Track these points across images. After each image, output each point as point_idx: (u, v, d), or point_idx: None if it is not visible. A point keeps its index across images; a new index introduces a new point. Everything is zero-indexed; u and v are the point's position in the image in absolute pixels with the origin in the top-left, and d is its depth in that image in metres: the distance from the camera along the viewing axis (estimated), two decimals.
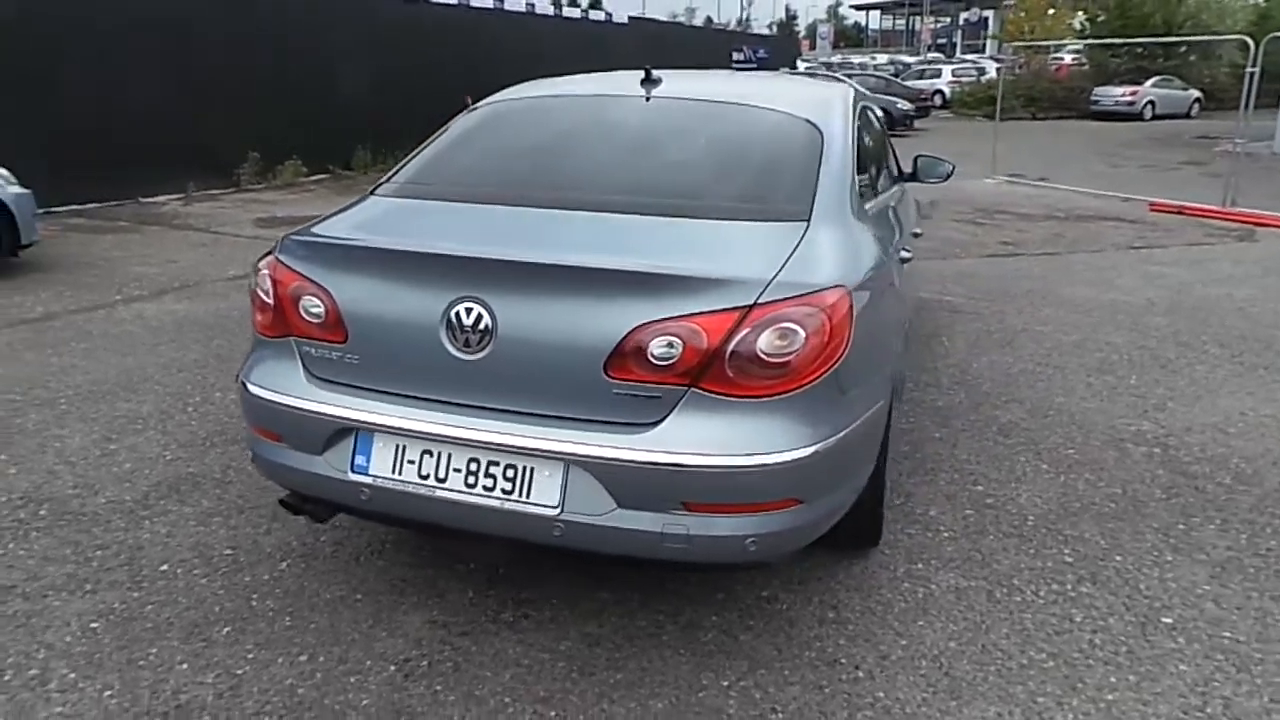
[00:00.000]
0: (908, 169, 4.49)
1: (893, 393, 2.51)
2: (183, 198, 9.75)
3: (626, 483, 1.93)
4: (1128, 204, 10.47)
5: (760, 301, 1.94)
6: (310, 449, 2.16)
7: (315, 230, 2.33)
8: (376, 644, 2.34)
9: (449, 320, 2.01)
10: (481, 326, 1.99)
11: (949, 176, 4.60)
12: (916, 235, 3.88)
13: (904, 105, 20.06)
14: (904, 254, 2.97)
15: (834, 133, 2.77)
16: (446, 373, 2.03)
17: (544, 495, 1.98)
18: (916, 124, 20.93)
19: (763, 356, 1.93)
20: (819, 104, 2.96)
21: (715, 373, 1.92)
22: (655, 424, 1.94)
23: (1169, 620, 2.51)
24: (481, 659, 2.29)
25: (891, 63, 40.16)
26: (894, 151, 4.48)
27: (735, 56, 22.71)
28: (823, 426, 2.02)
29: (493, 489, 2.01)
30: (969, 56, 39.48)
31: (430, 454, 2.05)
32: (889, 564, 2.77)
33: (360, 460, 2.11)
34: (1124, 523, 3.06)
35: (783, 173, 2.55)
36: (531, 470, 1.99)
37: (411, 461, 2.06)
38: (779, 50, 27.84)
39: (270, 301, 2.24)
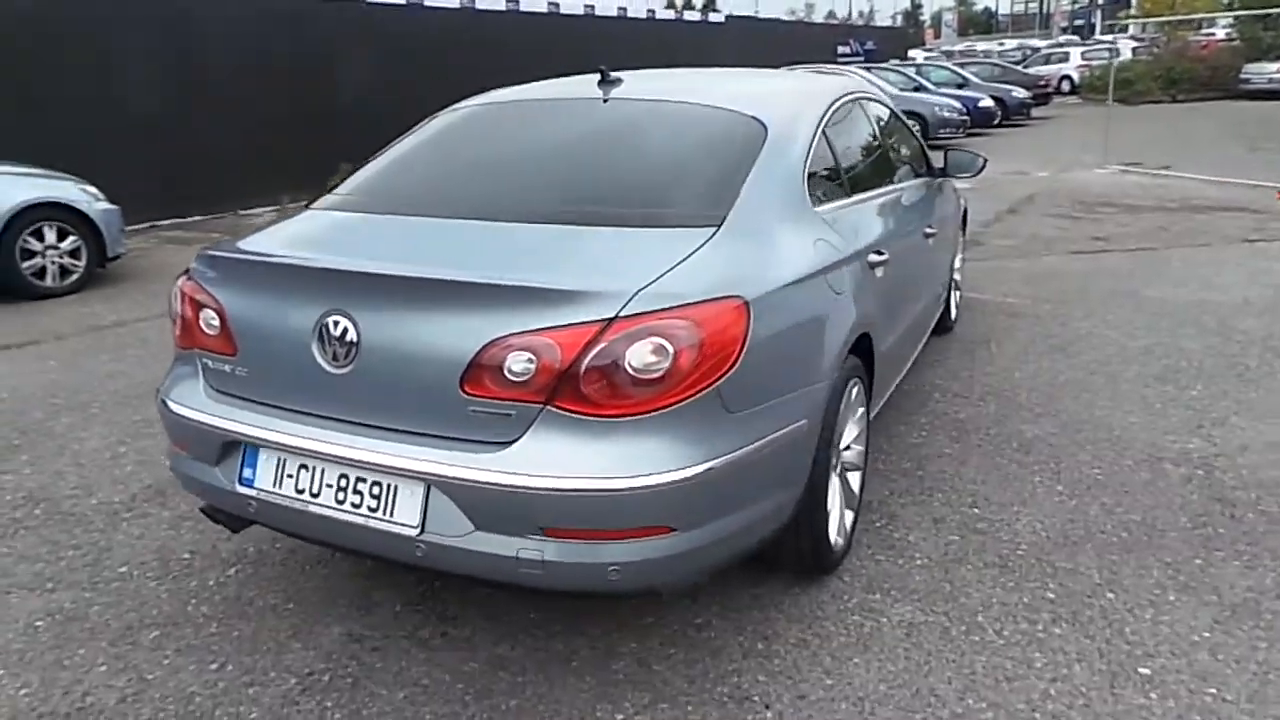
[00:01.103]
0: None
1: (825, 412, 2.30)
2: (277, 209, 10.29)
3: (480, 505, 1.85)
4: (1255, 192, 9.50)
5: (622, 314, 1.81)
6: (208, 460, 2.19)
7: (229, 245, 2.36)
8: (288, 655, 2.35)
9: (320, 333, 1.99)
10: (348, 340, 1.96)
11: (979, 171, 4.28)
12: (928, 234, 3.60)
13: (1019, 93, 18.94)
14: (874, 257, 2.74)
15: (785, 131, 2.60)
16: (319, 386, 2.01)
17: (406, 514, 1.92)
18: (1035, 113, 19.76)
19: (624, 373, 1.80)
20: (779, 101, 2.79)
21: (571, 390, 1.80)
22: (510, 444, 1.84)
23: (1146, 671, 2.21)
24: (384, 676, 2.26)
25: (1020, 48, 38.16)
26: (923, 148, 4.21)
27: (840, 50, 22.09)
28: (699, 449, 1.87)
29: (360, 506, 1.97)
30: (1105, 38, 36.99)
31: (306, 469, 2.03)
32: (843, 593, 2.57)
33: (247, 473, 2.11)
34: (1131, 555, 2.73)
35: (703, 175, 2.40)
36: (395, 488, 1.93)
37: (290, 475, 2.05)
38: (892, 42, 26.93)
39: (180, 315, 2.29)
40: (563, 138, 2.66)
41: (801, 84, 3.11)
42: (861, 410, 2.76)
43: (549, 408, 1.82)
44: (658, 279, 1.90)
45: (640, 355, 1.81)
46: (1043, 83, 22.13)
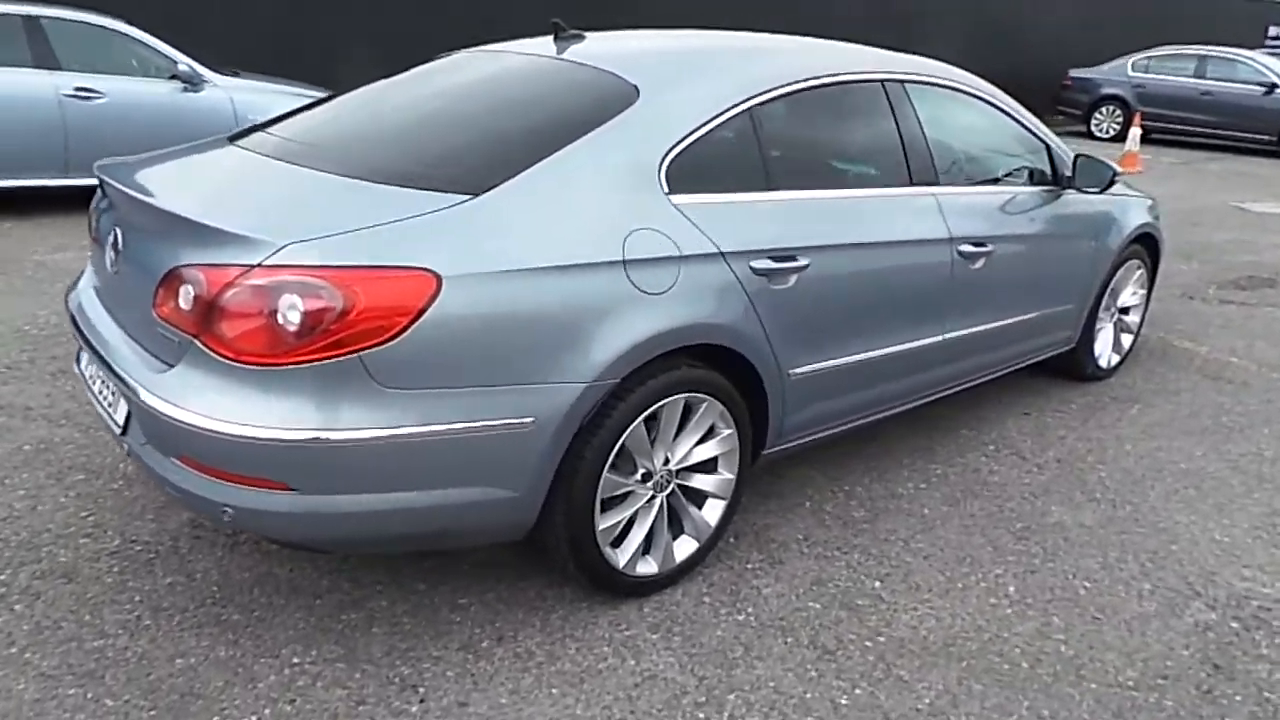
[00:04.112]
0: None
1: (580, 417, 2.06)
2: None
3: (143, 420, 1.97)
4: None
5: (265, 263, 1.79)
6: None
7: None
8: (167, 526, 2.65)
9: (110, 240, 2.22)
10: (118, 247, 2.16)
11: (1108, 185, 3.40)
12: (969, 252, 2.94)
13: None
14: (765, 263, 2.34)
15: (664, 103, 2.34)
16: (108, 286, 2.26)
17: (119, 415, 2.10)
18: None
19: (254, 320, 1.79)
20: (691, 70, 2.48)
21: (213, 328, 1.83)
22: (168, 369, 1.93)
23: None
24: (208, 564, 2.45)
25: None
26: (1049, 153, 3.45)
27: (1271, 32, 18.09)
28: (325, 415, 1.80)
29: (104, 397, 2.19)
30: None
31: (93, 358, 2.29)
32: (625, 623, 2.31)
33: (81, 354, 2.43)
34: (1004, 691, 2.12)
35: (507, 140, 2.21)
36: (119, 390, 2.12)
37: (89, 361, 2.32)
38: None
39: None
40: (452, 93, 2.58)
41: (769, 53, 2.66)
42: (729, 433, 2.42)
43: (195, 341, 1.87)
44: (329, 236, 1.84)
45: (269, 306, 1.78)
46: None
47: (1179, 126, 13.36)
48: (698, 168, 2.33)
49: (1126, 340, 4.20)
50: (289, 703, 2.01)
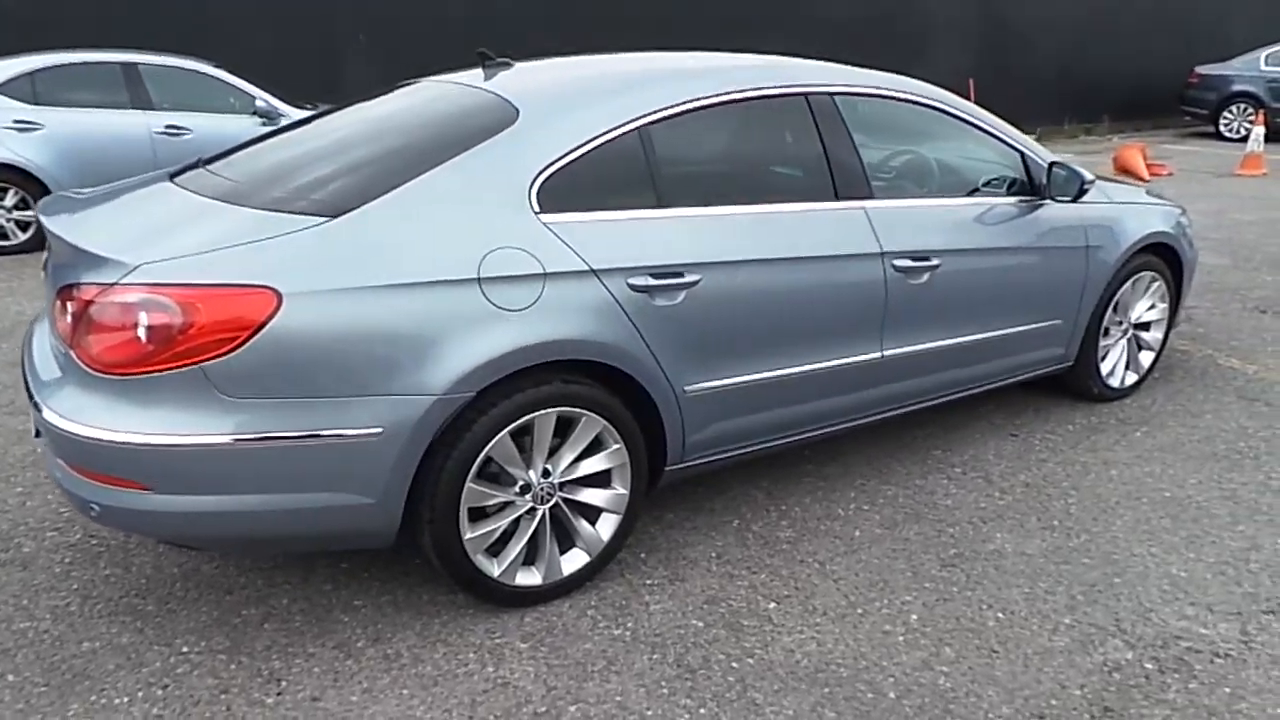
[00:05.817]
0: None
1: (430, 429, 2.13)
2: None
3: (40, 425, 2.18)
4: None
5: (119, 282, 1.97)
6: None
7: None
8: None
9: (44, 265, 2.48)
10: (46, 273, 2.41)
11: (1078, 194, 3.19)
12: (905, 267, 2.81)
13: None
14: (646, 280, 2.34)
15: (543, 125, 2.40)
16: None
17: (36, 422, 2.33)
18: None
19: (108, 334, 1.97)
20: (577, 89, 2.54)
21: (81, 341, 2.02)
22: (60, 380, 2.14)
23: None
24: (144, 562, 2.69)
25: None
26: (1023, 162, 3.27)
27: None
28: (171, 421, 1.96)
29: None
30: None
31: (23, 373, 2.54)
32: (498, 631, 2.36)
33: None
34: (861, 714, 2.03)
35: (380, 164, 2.32)
36: None
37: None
38: None
39: None
40: (368, 122, 2.70)
41: (673, 73, 2.65)
42: (617, 448, 2.43)
43: (71, 353, 2.07)
44: (181, 257, 2.00)
45: (121, 320, 1.96)
46: None
47: None
48: (575, 187, 2.37)
49: (1146, 358, 3.90)
50: (162, 688, 2.17)
